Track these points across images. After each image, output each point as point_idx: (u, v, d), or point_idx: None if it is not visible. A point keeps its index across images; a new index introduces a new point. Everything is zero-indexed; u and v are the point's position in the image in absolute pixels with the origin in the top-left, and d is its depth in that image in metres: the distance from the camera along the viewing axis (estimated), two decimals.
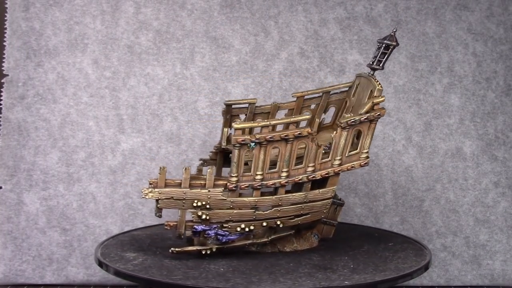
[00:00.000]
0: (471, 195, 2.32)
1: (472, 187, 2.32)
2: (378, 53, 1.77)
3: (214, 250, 1.65)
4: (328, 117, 1.95)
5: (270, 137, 1.57)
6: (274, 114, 1.87)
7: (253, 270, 1.58)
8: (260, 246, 1.71)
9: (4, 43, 2.23)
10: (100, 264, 1.64)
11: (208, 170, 1.63)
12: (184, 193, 1.61)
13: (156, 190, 1.61)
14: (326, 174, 1.65)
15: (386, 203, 2.31)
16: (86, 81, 2.26)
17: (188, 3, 2.28)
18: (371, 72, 1.79)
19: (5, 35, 2.23)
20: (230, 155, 1.66)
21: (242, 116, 1.86)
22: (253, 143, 1.69)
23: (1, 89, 2.24)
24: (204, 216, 1.61)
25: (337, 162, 1.65)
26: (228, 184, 1.61)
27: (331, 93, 1.91)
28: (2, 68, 2.24)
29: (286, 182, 1.62)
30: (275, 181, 1.61)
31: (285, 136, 1.57)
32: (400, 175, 2.31)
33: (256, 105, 1.85)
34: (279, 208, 1.64)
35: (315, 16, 2.29)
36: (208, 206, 1.61)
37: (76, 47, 2.25)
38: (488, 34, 2.32)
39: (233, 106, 1.86)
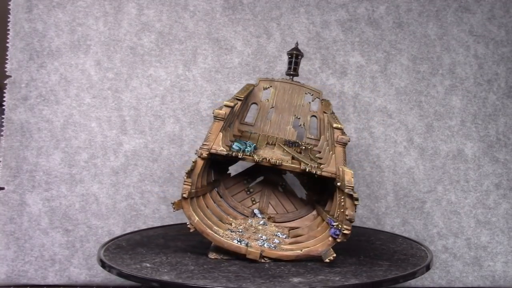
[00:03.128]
0: (472, 197, 2.32)
1: (473, 189, 2.32)
2: (292, 62, 2.00)
3: None
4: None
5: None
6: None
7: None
8: None
9: (7, 45, 2.24)
10: (103, 265, 1.65)
11: (350, 171, 1.60)
12: None
13: None
14: None
15: (387, 205, 2.31)
16: (88, 82, 2.26)
17: (190, 5, 2.28)
18: (290, 78, 2.01)
19: (8, 36, 2.24)
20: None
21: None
22: (250, 148, 1.77)
23: (4, 90, 2.24)
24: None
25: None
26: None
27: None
28: (5, 69, 2.24)
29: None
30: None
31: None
32: (402, 176, 2.31)
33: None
34: None
35: (317, 18, 2.30)
36: None
37: (79, 49, 2.26)
38: (489, 36, 2.32)
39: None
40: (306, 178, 1.98)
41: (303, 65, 2.29)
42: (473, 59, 2.32)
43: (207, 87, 2.28)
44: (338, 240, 1.63)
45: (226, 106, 1.71)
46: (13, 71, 2.24)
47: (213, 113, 1.69)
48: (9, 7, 2.24)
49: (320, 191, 1.95)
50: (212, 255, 1.70)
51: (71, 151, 2.25)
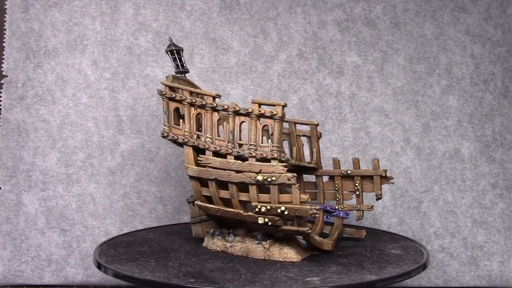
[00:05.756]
0: (469, 197, 2.32)
1: (470, 189, 2.32)
2: (181, 59, 1.85)
3: None
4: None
5: None
6: None
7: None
8: None
9: (4, 44, 2.24)
10: (99, 266, 1.65)
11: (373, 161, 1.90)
12: None
13: None
14: None
15: (384, 204, 2.31)
16: (85, 82, 2.26)
17: (187, 5, 2.28)
18: (183, 76, 1.86)
19: (5, 36, 2.23)
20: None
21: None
22: None
23: (1, 90, 2.24)
24: None
25: None
26: None
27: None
28: (2, 69, 2.24)
29: None
30: None
31: None
32: (398, 176, 2.31)
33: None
34: None
35: (314, 18, 2.30)
36: None
37: (76, 48, 2.26)
38: (486, 36, 2.33)
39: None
40: None
41: (300, 65, 2.29)
42: (469, 59, 2.32)
43: (204, 87, 2.27)
44: (361, 218, 1.92)
45: (284, 106, 1.64)
46: (10, 71, 2.24)
47: (275, 113, 1.63)
48: (5, 7, 2.23)
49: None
50: (298, 258, 1.68)
51: (68, 151, 2.25)
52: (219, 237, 1.78)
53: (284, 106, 1.63)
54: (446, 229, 2.32)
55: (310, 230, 1.64)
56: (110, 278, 2.20)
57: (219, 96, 1.71)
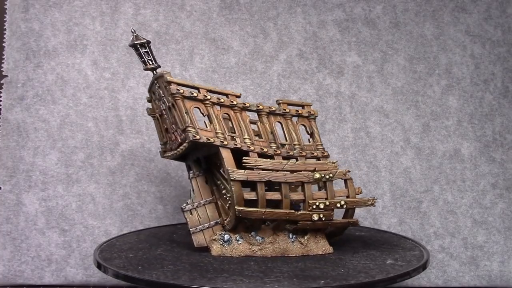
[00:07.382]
0: (469, 197, 2.32)
1: (470, 189, 2.32)
2: (148, 54, 1.69)
3: None
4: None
5: None
6: None
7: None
8: None
9: (4, 44, 2.24)
10: (99, 266, 1.65)
11: None
12: None
13: None
14: None
15: (384, 204, 2.32)
16: (85, 82, 2.26)
17: (187, 5, 2.28)
18: (155, 72, 1.73)
19: (5, 36, 2.23)
20: None
21: None
22: None
23: (1, 90, 2.24)
24: None
25: None
26: None
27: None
28: (2, 69, 2.24)
29: None
30: None
31: None
32: (398, 176, 2.31)
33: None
34: None
35: (314, 18, 2.30)
36: None
37: (76, 48, 2.26)
38: (486, 36, 2.33)
39: None
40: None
41: (300, 65, 2.29)
42: (469, 59, 2.32)
43: None
44: None
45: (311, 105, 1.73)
46: (10, 71, 2.24)
47: (312, 113, 1.70)
48: (5, 7, 2.23)
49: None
50: (332, 248, 1.73)
51: (68, 151, 2.25)
52: (240, 242, 1.70)
53: (311, 105, 1.71)
54: (446, 229, 2.32)
55: (358, 221, 1.72)
56: (110, 278, 2.20)
57: (239, 96, 1.70)
